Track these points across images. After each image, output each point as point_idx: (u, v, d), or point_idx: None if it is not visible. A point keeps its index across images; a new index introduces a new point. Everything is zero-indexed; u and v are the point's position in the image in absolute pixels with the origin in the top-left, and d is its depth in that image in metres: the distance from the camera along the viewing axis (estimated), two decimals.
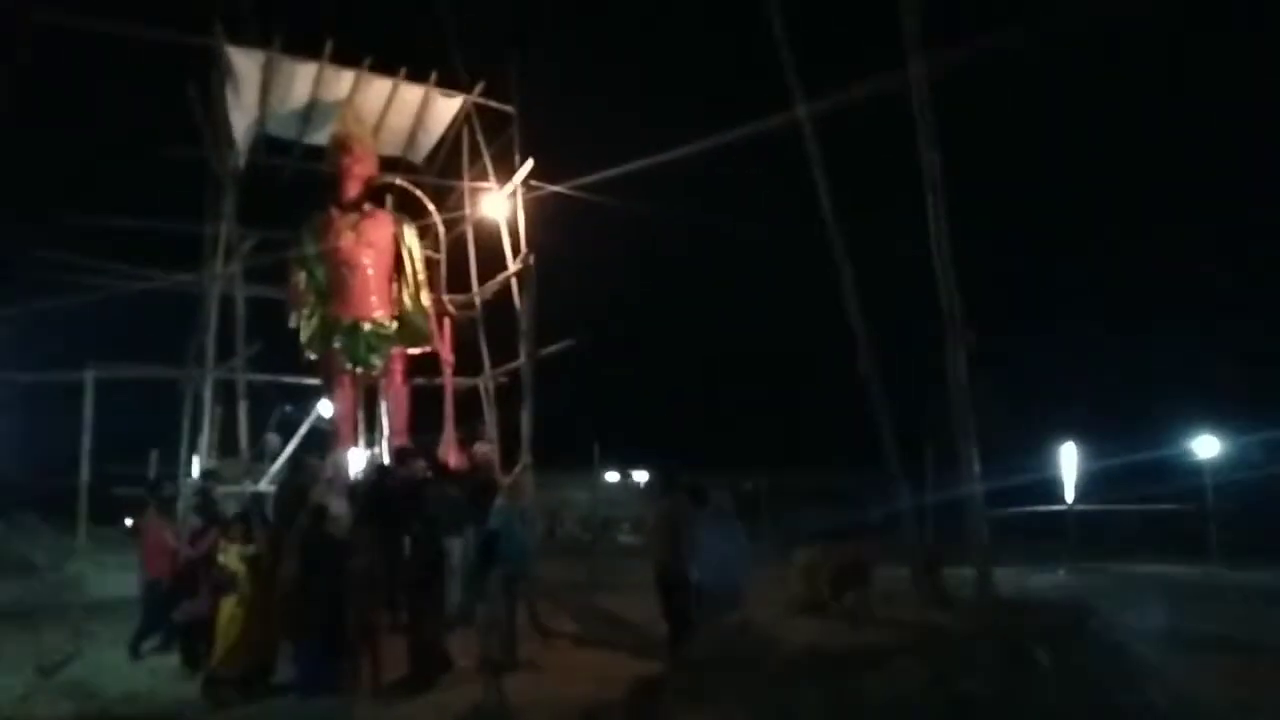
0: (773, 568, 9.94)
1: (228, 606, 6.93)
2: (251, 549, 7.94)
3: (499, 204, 13.76)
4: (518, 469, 11.83)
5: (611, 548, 16.11)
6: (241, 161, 12.85)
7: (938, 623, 6.94)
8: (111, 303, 12.87)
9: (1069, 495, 19.17)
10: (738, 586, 7.72)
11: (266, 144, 13.85)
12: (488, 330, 14.51)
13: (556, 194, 13.27)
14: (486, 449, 12.09)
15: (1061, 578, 15.23)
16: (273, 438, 12.91)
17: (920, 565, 9.23)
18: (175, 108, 12.93)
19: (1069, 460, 19.23)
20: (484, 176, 14.12)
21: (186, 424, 12.33)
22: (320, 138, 13.79)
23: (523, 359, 13.06)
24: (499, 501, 8.78)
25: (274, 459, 12.36)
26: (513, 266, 13.42)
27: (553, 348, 13.21)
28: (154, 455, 13.48)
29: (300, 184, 14.41)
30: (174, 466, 12.58)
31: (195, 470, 11.78)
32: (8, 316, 11.89)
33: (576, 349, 13.22)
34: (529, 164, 13.17)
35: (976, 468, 8.18)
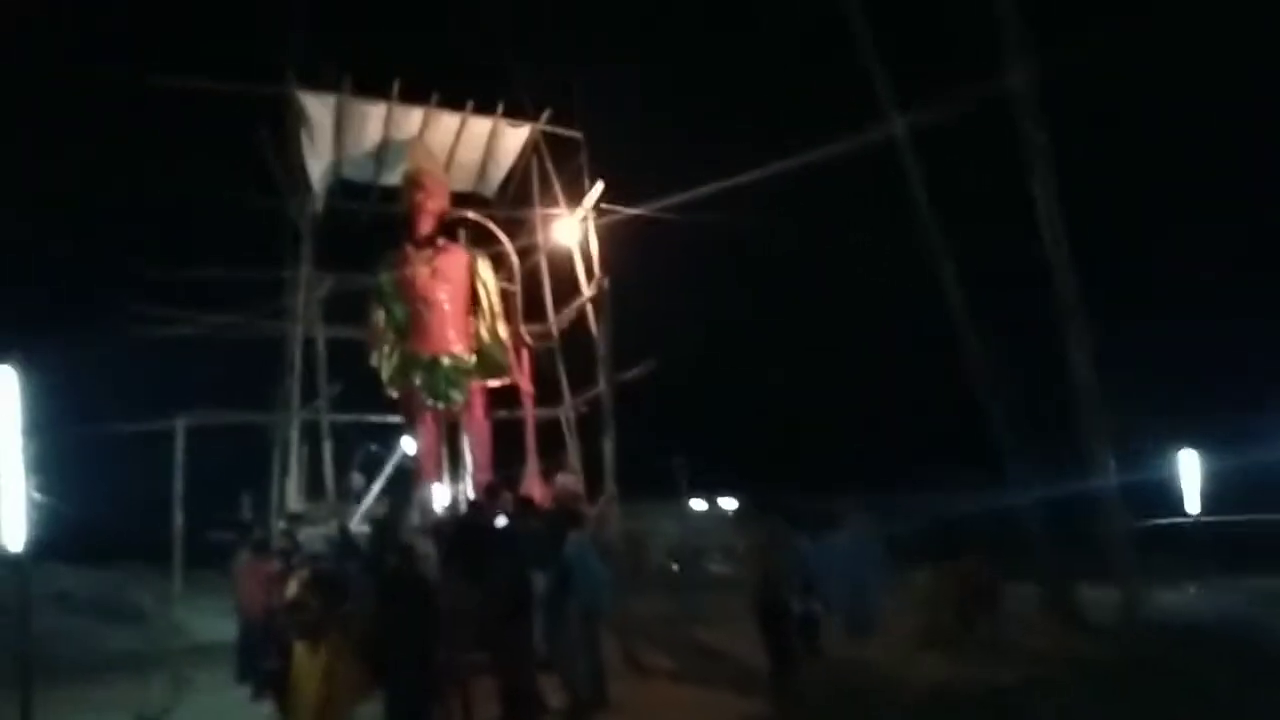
0: (885, 594, 9.28)
1: (299, 653, 6.73)
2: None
3: (571, 230, 13.64)
4: (603, 500, 11.54)
5: (703, 579, 15.61)
6: (319, 205, 13.04)
7: (1084, 653, 6.20)
8: (202, 351, 13.19)
9: (1190, 505, 17.70)
10: (872, 611, 7.17)
11: (341, 188, 14.07)
12: (565, 359, 14.36)
13: (631, 218, 13.09)
14: (570, 480, 11.83)
15: (1195, 595, 14.00)
16: (357, 477, 12.94)
17: (1051, 583, 8.36)
18: (246, 156, 13.22)
19: (1188, 468, 17.78)
20: (555, 205, 14.04)
21: (276, 467, 12.47)
22: (394, 178, 13.93)
23: (602, 386, 12.82)
24: (573, 534, 8.48)
25: (359, 498, 12.36)
26: (587, 292, 13.24)
27: (632, 372, 12.93)
28: (246, 498, 13.67)
29: (377, 225, 14.58)
30: (265, 509, 12.72)
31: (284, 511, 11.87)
32: (104, 367, 12.23)
33: (657, 373, 12.93)
34: (599, 187, 13.03)
35: (1113, 479, 7.46)
